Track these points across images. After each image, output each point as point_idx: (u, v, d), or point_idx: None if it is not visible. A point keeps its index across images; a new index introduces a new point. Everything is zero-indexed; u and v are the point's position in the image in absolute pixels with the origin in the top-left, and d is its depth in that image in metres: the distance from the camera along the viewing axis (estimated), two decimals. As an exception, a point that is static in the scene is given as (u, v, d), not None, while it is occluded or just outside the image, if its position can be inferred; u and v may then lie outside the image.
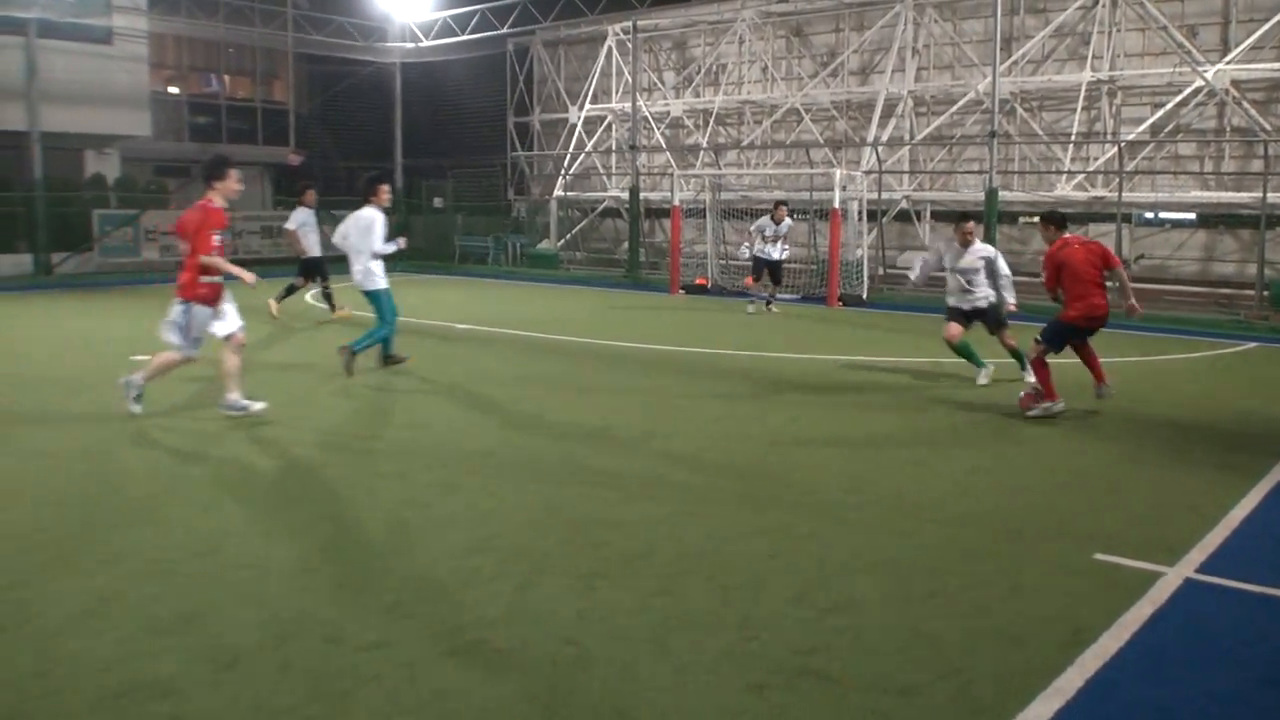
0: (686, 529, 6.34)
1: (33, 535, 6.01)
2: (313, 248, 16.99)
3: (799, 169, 28.21)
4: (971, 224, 11.56)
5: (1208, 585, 5.59)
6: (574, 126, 34.65)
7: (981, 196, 22.68)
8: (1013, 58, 25.70)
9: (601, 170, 34.77)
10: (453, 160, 35.87)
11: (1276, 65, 22.48)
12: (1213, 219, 24.13)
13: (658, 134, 32.94)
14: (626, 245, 29.47)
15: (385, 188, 11.91)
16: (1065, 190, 24.80)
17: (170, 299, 9.04)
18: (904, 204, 27.54)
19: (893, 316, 19.56)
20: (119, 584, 5.26)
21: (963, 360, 11.74)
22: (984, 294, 11.38)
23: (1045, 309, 10.40)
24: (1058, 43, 25.87)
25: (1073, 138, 25.36)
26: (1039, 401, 9.82)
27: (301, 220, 16.94)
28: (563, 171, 34.57)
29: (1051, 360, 9.92)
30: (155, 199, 29.26)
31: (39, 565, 5.51)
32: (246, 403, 9.20)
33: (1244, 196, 22.58)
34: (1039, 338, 9.91)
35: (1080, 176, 24.86)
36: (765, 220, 19.13)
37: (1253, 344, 16.05)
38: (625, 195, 29.69)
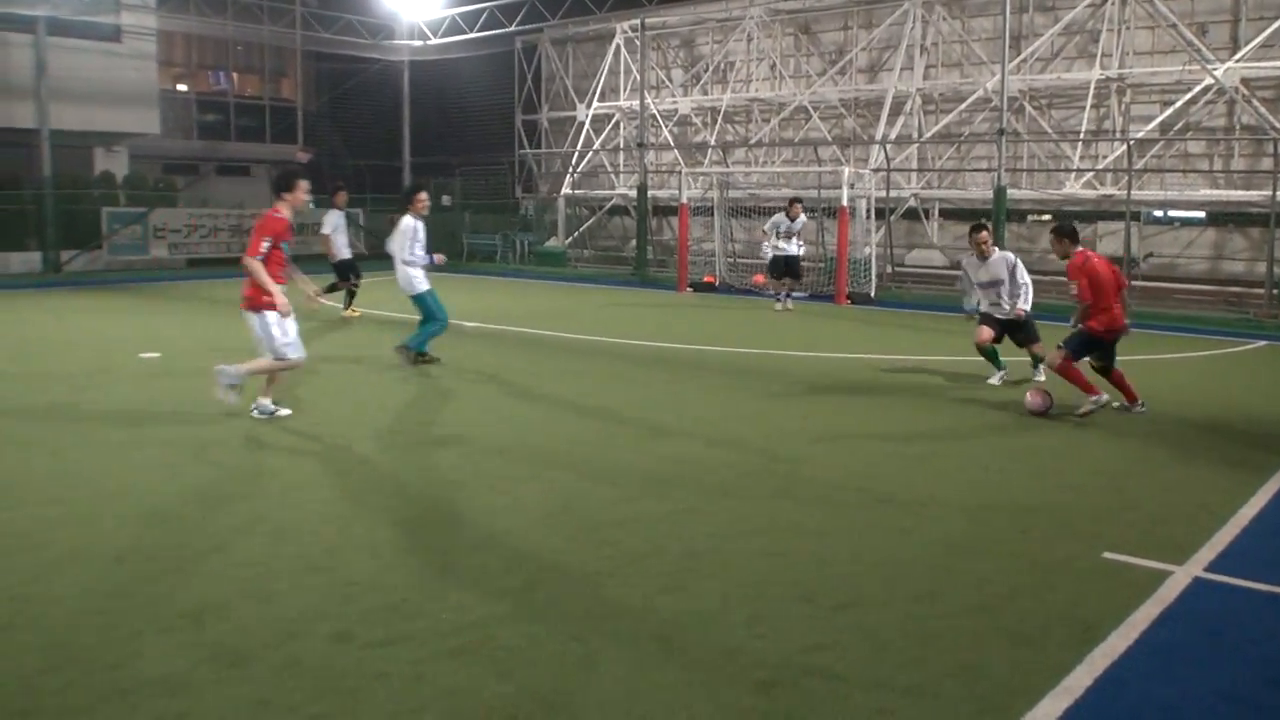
0: (693, 527, 6.33)
1: (41, 532, 6.02)
2: (342, 250, 16.96)
3: (807, 167, 28.19)
4: (984, 234, 11.41)
5: (1217, 584, 5.58)
6: (582, 124, 34.64)
7: (990, 195, 22.63)
8: (1022, 55, 25.64)
9: (609, 168, 34.77)
10: (460, 158, 35.88)
11: (1287, 63, 22.42)
12: (1222, 217, 24.05)
13: (665, 132, 32.93)
14: (634, 243, 29.45)
15: (422, 196, 12.03)
16: (1074, 188, 24.75)
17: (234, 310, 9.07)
18: (912, 202, 27.50)
19: (901, 315, 19.52)
20: (127, 581, 5.27)
21: (978, 359, 11.72)
22: (1011, 303, 11.24)
23: (1064, 308, 10.33)
24: (1067, 40, 25.80)
25: (1082, 136, 25.30)
26: (1049, 402, 9.76)
27: (334, 224, 16.87)
28: (570, 169, 34.57)
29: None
30: (164, 197, 29.32)
31: (46, 562, 5.53)
32: (273, 407, 9.19)
33: (1253, 195, 22.51)
34: (1062, 345, 9.82)
35: (1089, 174, 24.79)
36: (780, 217, 19.16)
37: (1262, 342, 15.99)
38: (633, 193, 29.67)
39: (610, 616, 4.93)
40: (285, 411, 9.20)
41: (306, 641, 4.59)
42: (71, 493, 6.87)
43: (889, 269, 24.92)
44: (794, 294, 20.14)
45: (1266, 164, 22.79)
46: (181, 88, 34.19)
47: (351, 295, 17.24)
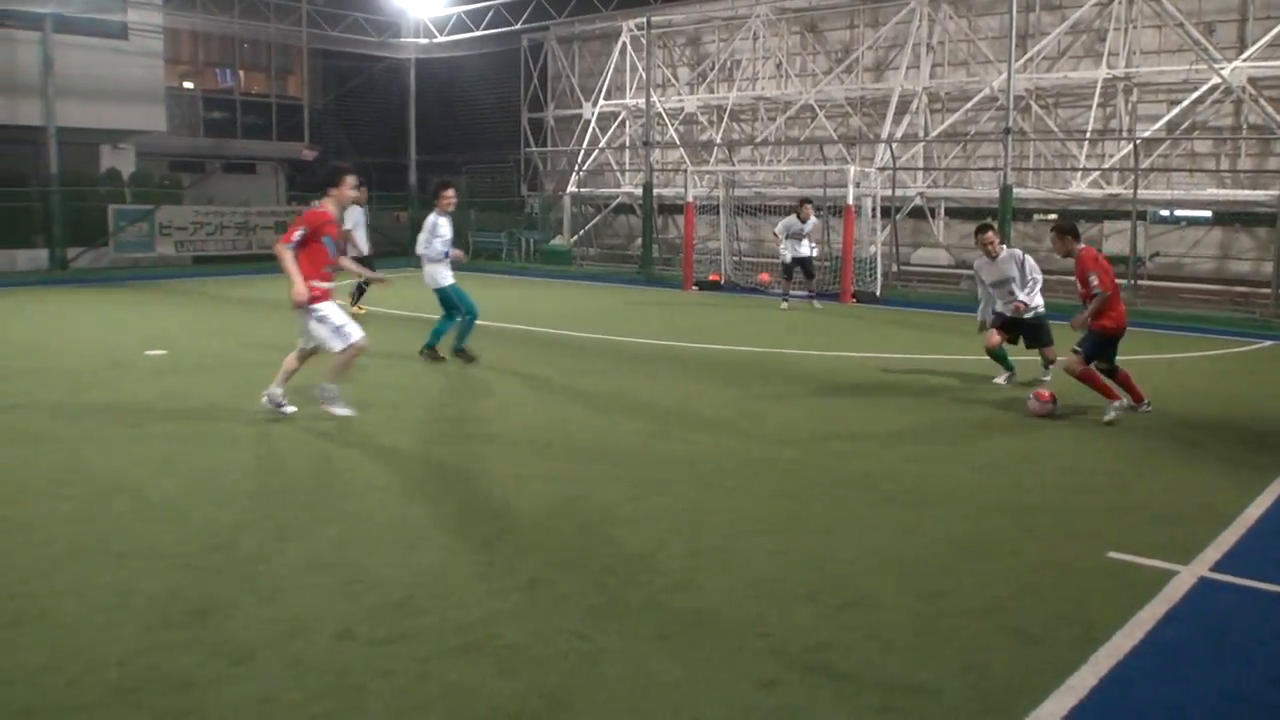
0: (699, 525, 6.34)
1: (46, 529, 6.03)
2: (363, 245, 17.04)
3: (813, 165, 28.18)
4: (990, 234, 11.29)
5: (1222, 584, 5.57)
6: (588, 122, 34.63)
7: (996, 194, 22.60)
8: (1028, 54, 25.59)
9: (615, 166, 34.77)
10: (466, 156, 35.90)
11: (1294, 62, 22.37)
12: (1228, 217, 23.99)
13: (671, 130, 32.91)
14: (640, 241, 29.46)
15: (449, 193, 12.12)
16: (1080, 187, 24.71)
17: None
18: (918, 201, 27.46)
19: (906, 313, 19.51)
20: (133, 579, 5.28)
21: (983, 359, 11.69)
22: (1032, 303, 11.16)
23: (1072, 307, 10.28)
24: (1073, 39, 25.76)
25: (1088, 135, 25.25)
26: (1052, 406, 9.70)
27: (355, 219, 16.96)
28: (576, 167, 34.56)
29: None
30: (170, 194, 29.34)
31: (53, 559, 5.54)
32: (284, 401, 9.15)
33: (1260, 194, 22.46)
34: (1078, 349, 9.67)
35: (1095, 174, 24.75)
36: (792, 219, 19.20)
37: (1268, 342, 15.96)
38: (639, 191, 29.67)
39: (615, 614, 4.93)
40: (291, 409, 9.15)
41: (310, 639, 4.60)
42: (76, 489, 6.88)
43: (894, 268, 24.90)
44: (794, 294, 20.15)
45: (1273, 163, 22.76)
46: (188, 85, 34.20)
47: (360, 291, 17.30)
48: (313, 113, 36.01)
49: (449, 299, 12.20)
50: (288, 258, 8.69)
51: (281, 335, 14.75)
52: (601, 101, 34.20)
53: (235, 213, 28.77)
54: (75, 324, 15.88)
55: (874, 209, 23.79)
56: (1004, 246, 11.45)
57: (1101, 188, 24.56)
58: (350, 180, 9.11)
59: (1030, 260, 11.30)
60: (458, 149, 37.00)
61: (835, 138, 29.26)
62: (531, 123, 36.27)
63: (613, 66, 33.90)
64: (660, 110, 32.04)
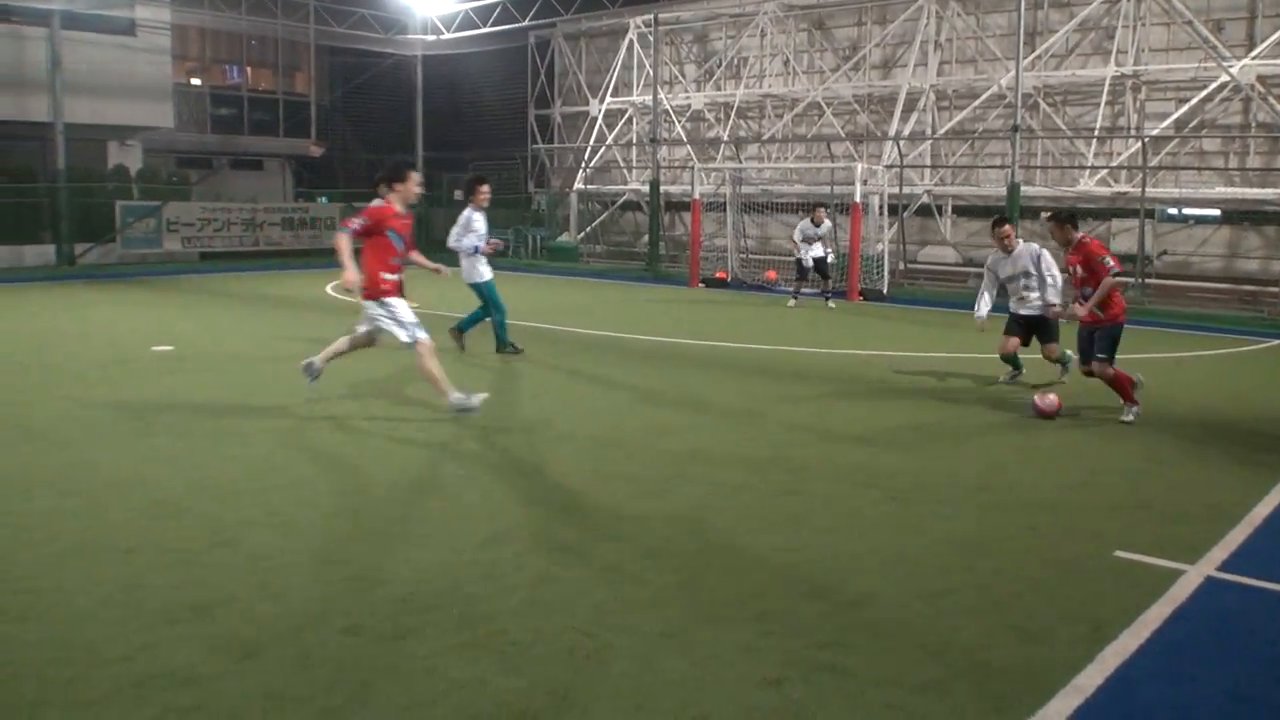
0: (704, 523, 6.34)
1: (52, 525, 6.04)
2: None
3: (820, 163, 28.16)
4: (1007, 227, 11.22)
5: (1229, 583, 5.55)
6: (595, 119, 34.64)
7: (1003, 191, 22.57)
8: (1036, 52, 25.56)
9: (622, 163, 34.76)
10: (473, 152, 35.89)
11: (1303, 60, 22.31)
12: (1237, 215, 23.94)
13: (678, 127, 32.91)
14: (646, 239, 29.45)
15: (484, 188, 12.30)
16: (1088, 185, 24.67)
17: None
18: (925, 198, 27.44)
19: (913, 311, 19.50)
20: (139, 574, 5.29)
21: (990, 356, 11.66)
22: (1042, 298, 11.02)
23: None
24: (1082, 37, 25.71)
25: (1096, 133, 25.21)
26: (1057, 407, 9.62)
27: None
28: (583, 164, 34.57)
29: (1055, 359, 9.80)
30: (177, 190, 29.38)
31: (59, 554, 5.55)
32: (462, 397, 8.96)
33: (1269, 192, 22.41)
34: (1103, 355, 9.56)
35: (1103, 172, 24.71)
36: (806, 223, 19.34)
37: (1276, 341, 15.93)
38: (645, 188, 29.66)
39: (621, 611, 4.93)
40: (479, 397, 9.00)
41: (317, 634, 4.60)
42: (82, 485, 6.89)
43: (902, 266, 24.88)
44: (804, 291, 20.18)
45: (1282, 162, 22.72)
46: (195, 81, 34.22)
47: None
48: (320, 109, 36.02)
49: (482, 293, 12.44)
50: (341, 241, 8.73)
51: (288, 330, 14.81)
52: (608, 98, 34.20)
53: (242, 209, 28.81)
54: (82, 320, 15.91)
55: (881, 207, 23.78)
56: (1020, 241, 11.37)
57: (1109, 186, 24.52)
58: (415, 176, 9.11)
59: (1047, 255, 11.17)
60: (464, 146, 37.01)
61: (842, 135, 29.24)
62: (538, 119, 36.28)
63: (620, 63, 33.90)
64: (667, 107, 32.04)
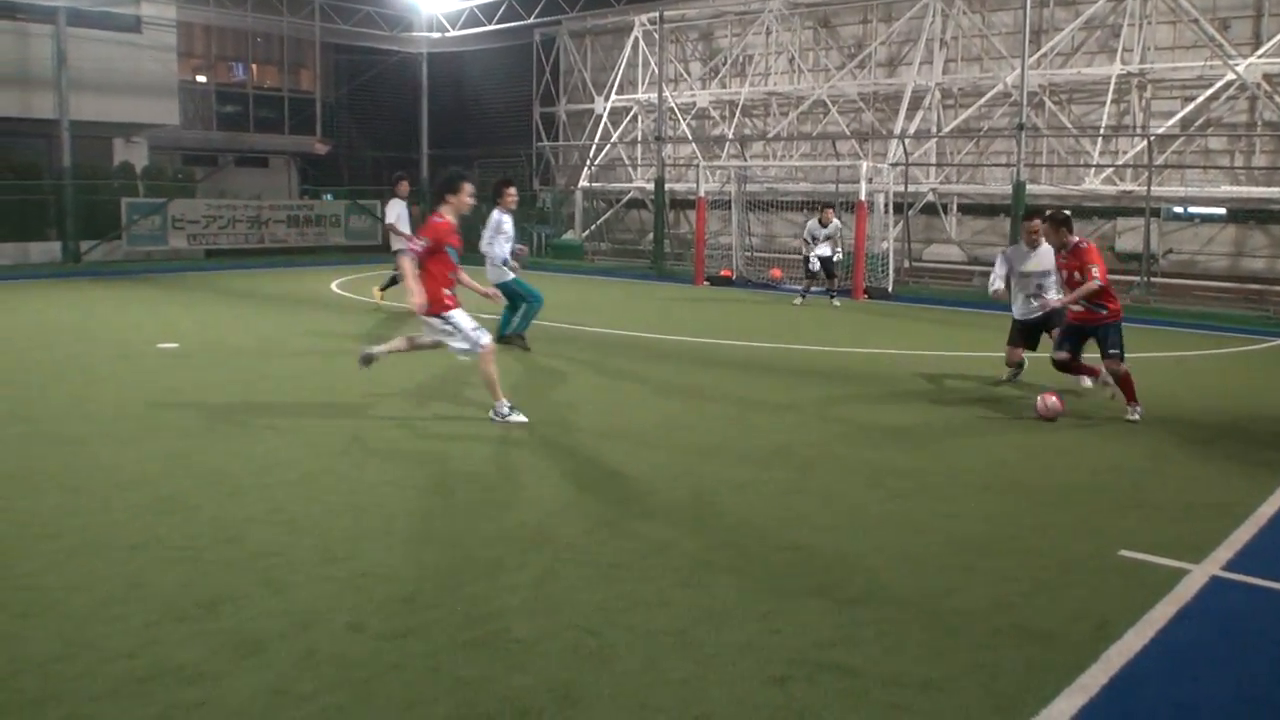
0: (708, 520, 6.34)
1: (57, 521, 6.05)
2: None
3: (825, 161, 28.12)
4: (1037, 222, 10.79)
5: (1234, 583, 5.54)
6: (600, 117, 34.63)
7: (1009, 190, 22.54)
8: (1042, 50, 25.52)
9: (627, 161, 34.75)
10: (478, 150, 35.88)
11: (1310, 59, 22.25)
12: (1243, 214, 23.90)
13: (683, 125, 32.89)
14: (651, 236, 29.44)
15: (511, 190, 12.46)
16: (1094, 184, 24.63)
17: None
18: (930, 197, 27.40)
19: (918, 310, 19.48)
20: (143, 571, 5.30)
21: (995, 354, 11.62)
22: (1055, 298, 10.71)
23: (1126, 309, 10.24)
24: (1088, 35, 25.67)
25: (1102, 131, 25.17)
26: (1060, 412, 9.55)
27: (398, 213, 17.12)
28: (588, 162, 34.56)
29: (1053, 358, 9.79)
30: (183, 187, 29.40)
31: (63, 551, 5.56)
32: (506, 410, 8.94)
33: (1275, 191, 22.37)
34: (1114, 352, 9.54)
35: (1109, 170, 24.67)
36: (814, 223, 19.39)
37: (1282, 340, 15.90)
38: (650, 186, 29.66)
39: (625, 610, 4.93)
40: (519, 418, 8.90)
41: (322, 632, 4.60)
42: (87, 481, 6.91)
43: (906, 264, 24.86)
44: (814, 289, 20.17)
45: (1288, 160, 22.66)
46: (201, 79, 34.28)
47: (393, 281, 17.46)
48: (325, 106, 36.04)
49: (514, 291, 12.63)
50: (408, 267, 8.69)
51: (293, 327, 14.82)
52: (613, 96, 34.19)
53: (248, 206, 28.82)
54: (87, 317, 15.94)
55: (886, 205, 23.75)
56: (1044, 241, 11.13)
57: (1115, 184, 24.48)
58: (469, 187, 9.02)
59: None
60: (470, 143, 37.01)
61: (848, 133, 29.22)
62: (543, 117, 36.26)
63: (625, 61, 33.88)
64: (672, 105, 32.01)
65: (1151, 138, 22.80)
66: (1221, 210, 24.11)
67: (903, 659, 4.47)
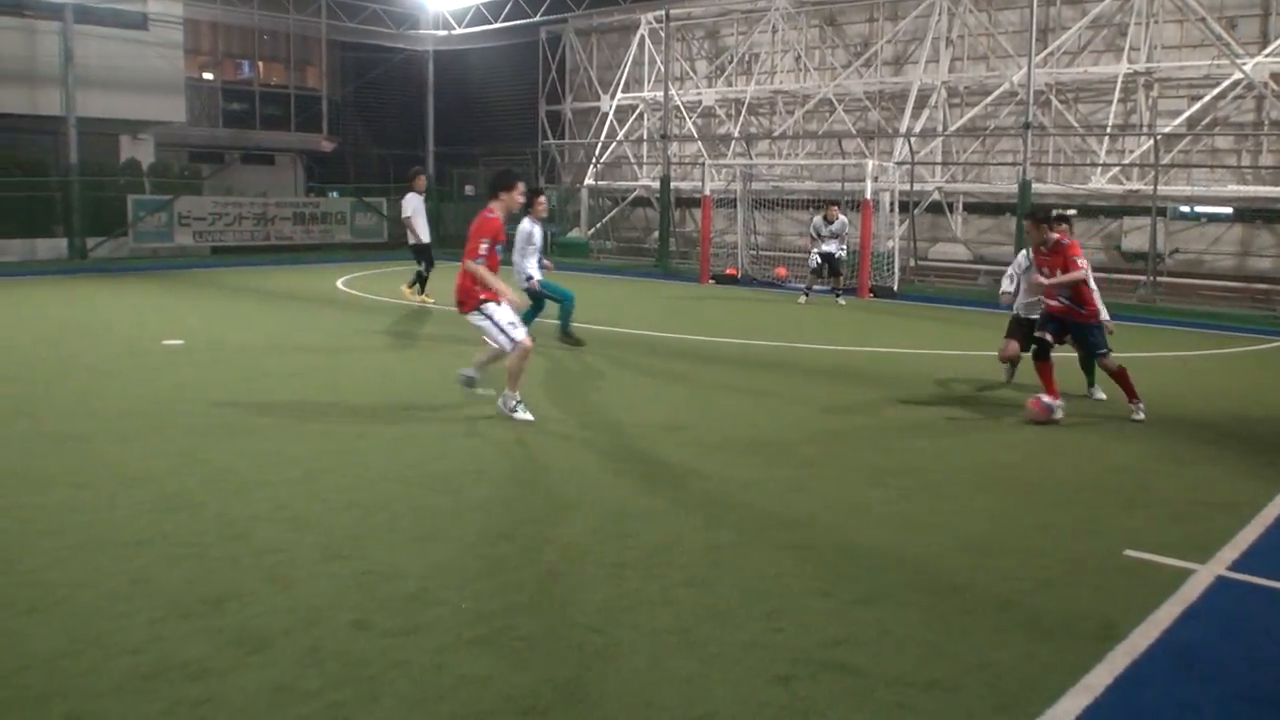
0: (714, 519, 6.33)
1: (62, 518, 6.06)
2: (423, 233, 17.27)
3: (831, 159, 28.11)
4: (1066, 226, 10.45)
5: (1240, 583, 5.53)
6: (605, 115, 34.63)
7: (1015, 189, 22.51)
8: (1048, 49, 25.48)
9: (632, 159, 34.75)
10: (484, 148, 35.93)
11: (1317, 58, 22.21)
12: (1249, 213, 23.86)
13: (689, 123, 32.89)
14: (657, 234, 29.44)
15: (542, 200, 12.75)
16: (1100, 183, 24.59)
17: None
18: (936, 195, 27.37)
19: (923, 309, 19.46)
20: (149, 567, 5.30)
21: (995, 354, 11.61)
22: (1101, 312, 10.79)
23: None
24: (1094, 34, 25.63)
25: (1108, 130, 25.13)
26: (1049, 413, 9.44)
27: (414, 207, 17.17)
28: (594, 160, 34.57)
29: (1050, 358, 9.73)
30: (189, 184, 29.46)
31: (69, 547, 5.56)
32: (515, 405, 8.93)
33: (1282, 190, 22.32)
34: (1102, 350, 9.56)
35: (1115, 169, 24.62)
36: (818, 220, 19.42)
37: (1289, 340, 15.86)
38: (656, 184, 29.66)
39: (630, 608, 4.93)
40: (526, 417, 8.86)
41: (327, 629, 4.61)
42: (92, 478, 6.91)
43: (912, 263, 24.83)
44: (818, 288, 20.17)
45: (1295, 160, 22.61)
46: (207, 76, 34.35)
47: (419, 279, 17.54)
48: (331, 104, 36.10)
49: (539, 294, 12.77)
50: (483, 272, 8.64)
51: (298, 325, 14.84)
52: (619, 94, 34.20)
53: (254, 203, 28.86)
54: (93, 314, 15.96)
55: (892, 203, 23.73)
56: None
57: (1121, 183, 24.44)
58: (521, 186, 9.09)
59: (1082, 259, 10.90)
60: (475, 141, 37.05)
61: (853, 132, 29.20)
62: (549, 115, 36.28)
63: (631, 59, 33.88)
64: (678, 103, 32.00)
65: (1158, 137, 22.77)
66: (1228, 210, 24.07)
67: (907, 658, 4.47)
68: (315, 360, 11.96)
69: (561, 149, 36.31)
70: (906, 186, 24.90)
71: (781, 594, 5.15)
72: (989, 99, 26.47)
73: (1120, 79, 24.53)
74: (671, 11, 29.07)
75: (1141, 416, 9.45)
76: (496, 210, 8.88)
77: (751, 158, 29.72)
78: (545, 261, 12.89)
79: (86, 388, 10.02)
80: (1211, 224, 24.57)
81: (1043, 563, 5.72)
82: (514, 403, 8.91)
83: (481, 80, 39.12)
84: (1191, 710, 4.13)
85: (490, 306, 8.74)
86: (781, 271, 23.93)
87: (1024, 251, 11.17)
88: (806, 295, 19.97)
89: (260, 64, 35.93)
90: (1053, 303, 9.70)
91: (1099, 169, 24.78)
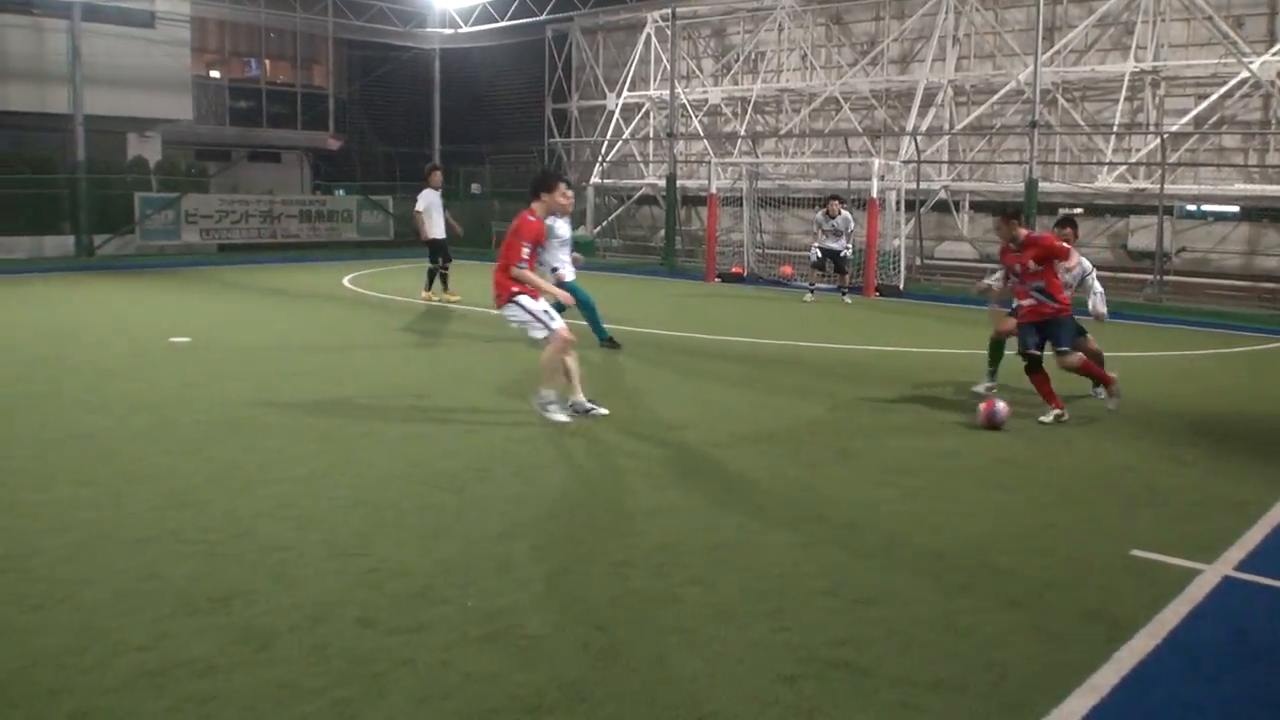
0: (719, 519, 6.33)
1: (70, 514, 6.07)
2: (436, 229, 17.27)
3: (837, 158, 28.09)
4: (1070, 230, 10.53)
5: (1247, 583, 5.52)
6: (611, 113, 34.63)
7: (1021, 187, 22.47)
8: (1055, 47, 25.44)
9: (639, 157, 34.75)
10: (490, 146, 35.94)
11: (1325, 57, 22.15)
12: (1256, 212, 23.79)
13: (695, 122, 32.87)
14: (663, 233, 29.44)
15: (568, 191, 12.20)
16: (1106, 182, 24.55)
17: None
18: (942, 194, 27.35)
19: (929, 307, 19.45)
20: (155, 564, 5.31)
21: (1006, 354, 11.55)
22: (1106, 313, 10.60)
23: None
24: (1101, 32, 25.58)
25: (1115, 129, 25.08)
26: (993, 418, 9.22)
27: (428, 202, 17.15)
28: (600, 158, 34.56)
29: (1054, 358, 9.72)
30: (196, 182, 29.52)
31: (76, 544, 5.57)
32: (552, 403, 8.74)
33: (1289, 190, 22.27)
34: (1064, 349, 9.43)
35: (1122, 168, 24.59)
36: (820, 215, 19.42)
37: (1296, 340, 15.83)
38: (662, 183, 29.65)
39: (635, 607, 4.94)
40: (562, 418, 8.70)
41: (333, 626, 4.61)
42: (99, 475, 6.93)
43: (918, 261, 24.81)
44: (819, 286, 20.16)
45: (1302, 159, 22.56)
46: (214, 74, 34.38)
47: (435, 277, 17.58)
48: (338, 102, 36.13)
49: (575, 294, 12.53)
50: (530, 276, 8.59)
51: (305, 322, 14.85)
52: (625, 92, 34.19)
53: (260, 201, 28.90)
54: (100, 311, 15.99)
55: (898, 202, 23.71)
56: (1074, 252, 10.91)
57: (1128, 182, 24.40)
58: (562, 187, 9.00)
59: (1086, 263, 10.70)
60: (482, 139, 37.05)
61: (860, 130, 29.17)
62: (555, 113, 36.28)
63: (637, 57, 33.87)
64: (684, 102, 32.00)
65: (1165, 135, 22.73)
66: (1235, 208, 24.02)
67: (913, 658, 4.46)
68: (321, 358, 11.97)
69: (568, 147, 36.30)
70: (913, 185, 24.87)
71: (787, 593, 5.15)
72: (995, 98, 26.43)
73: (1127, 77, 24.49)
74: (678, 10, 29.03)
75: (1114, 405, 9.45)
76: (537, 211, 8.78)
77: (757, 156, 29.72)
78: (575, 255, 12.64)
79: (93, 385, 10.04)
80: (1218, 223, 24.51)
81: (1048, 562, 5.71)
82: (550, 400, 8.73)
83: (488, 78, 39.13)
84: (1198, 710, 4.12)
85: (524, 298, 8.63)
86: (787, 270, 23.91)
87: None
88: (812, 293, 19.95)
89: (267, 62, 35.96)
90: (1025, 301, 9.63)
91: (1105, 168, 24.74)
